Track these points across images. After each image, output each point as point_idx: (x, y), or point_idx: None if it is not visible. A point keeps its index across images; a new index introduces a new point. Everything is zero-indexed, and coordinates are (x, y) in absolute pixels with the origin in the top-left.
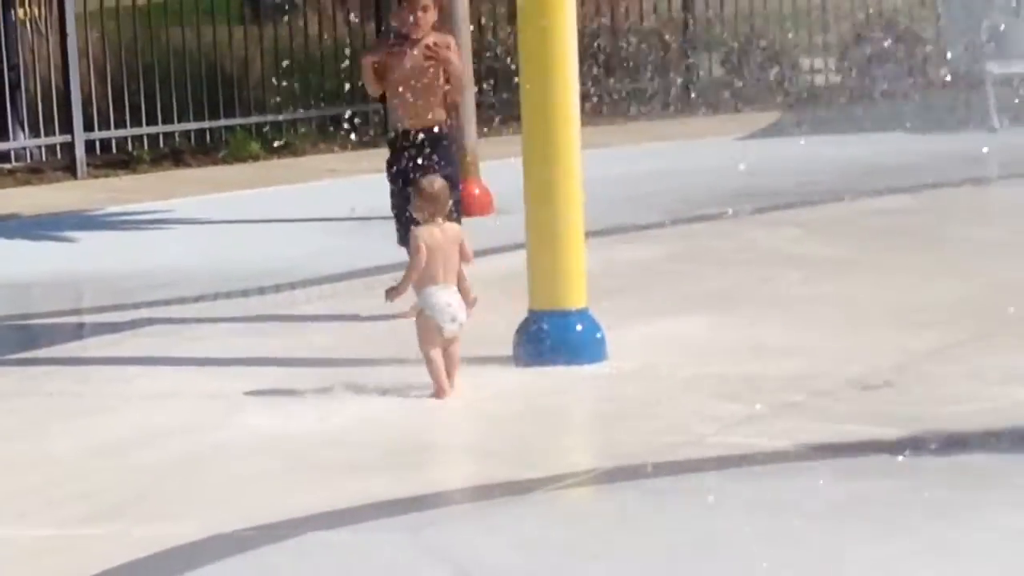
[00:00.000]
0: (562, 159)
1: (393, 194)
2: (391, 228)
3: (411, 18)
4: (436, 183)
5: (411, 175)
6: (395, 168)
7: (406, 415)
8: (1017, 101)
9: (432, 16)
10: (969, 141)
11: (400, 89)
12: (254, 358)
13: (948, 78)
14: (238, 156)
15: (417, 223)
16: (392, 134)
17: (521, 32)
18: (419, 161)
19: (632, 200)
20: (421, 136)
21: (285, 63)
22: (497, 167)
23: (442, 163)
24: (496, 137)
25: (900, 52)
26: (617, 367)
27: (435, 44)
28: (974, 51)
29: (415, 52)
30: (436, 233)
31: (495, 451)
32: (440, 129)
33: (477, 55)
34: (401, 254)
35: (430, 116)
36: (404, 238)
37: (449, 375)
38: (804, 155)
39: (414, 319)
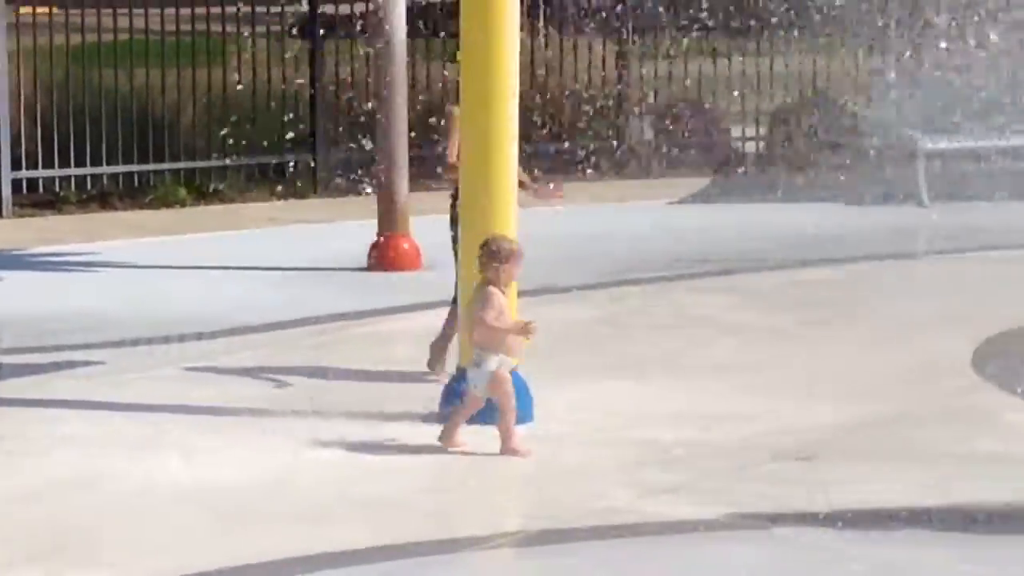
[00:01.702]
0: (498, 218)
1: None
2: (317, 280)
3: None
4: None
5: None
6: None
7: (329, 469)
8: (948, 177)
9: None
10: (899, 215)
11: None
12: (176, 405)
13: (879, 152)
14: (165, 201)
15: None
16: None
17: (463, 89)
18: None
19: (564, 261)
20: None
21: (216, 110)
22: (425, 222)
23: None
24: (424, 192)
25: (831, 123)
26: (544, 429)
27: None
28: (906, 126)
29: None
30: None
31: (419, 509)
32: None
33: (411, 109)
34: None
35: None
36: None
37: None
38: (735, 222)
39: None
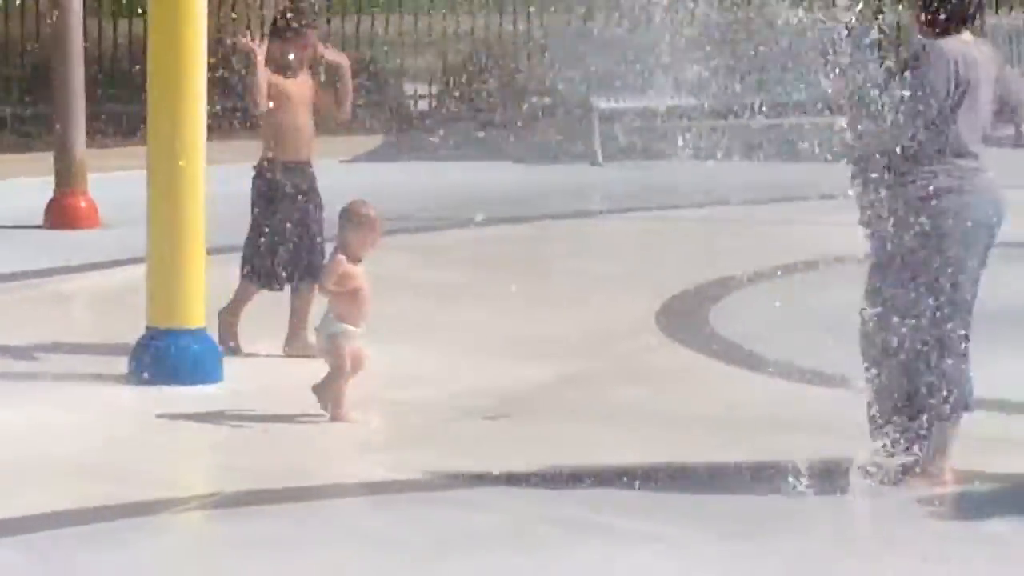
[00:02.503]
0: (187, 177)
1: (271, 229)
2: None
3: (298, 53)
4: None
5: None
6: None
7: (13, 434)
8: (622, 136)
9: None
10: (574, 174)
11: (289, 119)
12: None
13: (553, 111)
14: None
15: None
16: (271, 165)
17: (151, 49)
18: (301, 195)
19: (240, 219)
20: (301, 168)
21: None
22: (103, 179)
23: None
24: (101, 149)
25: (506, 82)
26: (234, 388)
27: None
28: (580, 85)
29: (300, 85)
30: None
31: (110, 472)
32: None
33: (88, 63)
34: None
35: (309, 149)
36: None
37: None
38: (410, 180)
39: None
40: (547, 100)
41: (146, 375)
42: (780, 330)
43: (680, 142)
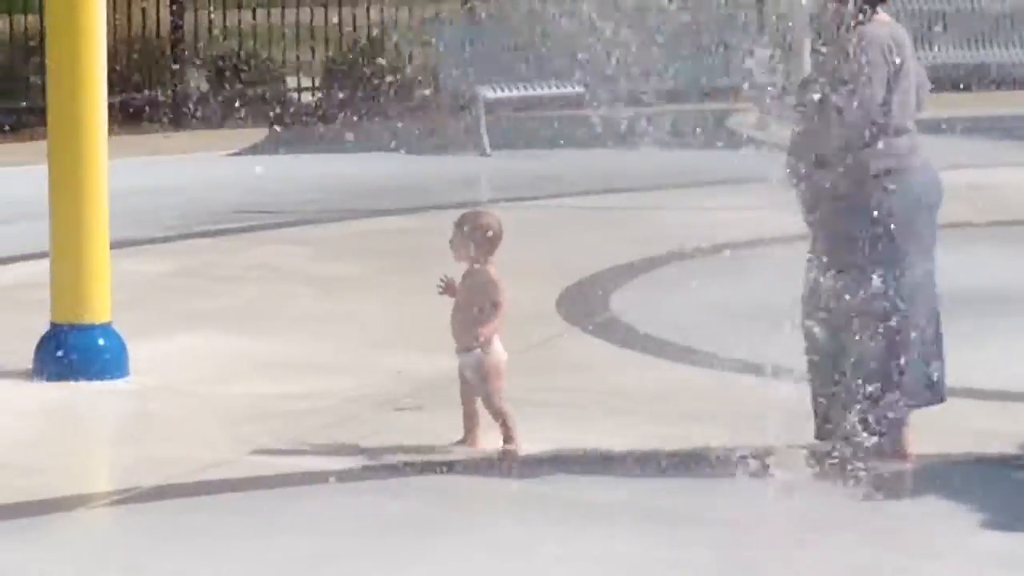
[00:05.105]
0: (90, 172)
1: None
2: None
3: None
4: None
5: None
6: None
7: None
8: (508, 125)
9: None
10: (461, 164)
11: None
12: None
13: (438, 101)
14: None
15: None
16: None
17: (50, 43)
18: None
19: (132, 214)
20: None
21: None
22: None
23: None
24: None
25: (391, 72)
26: (140, 383)
27: None
28: (465, 75)
29: None
30: None
31: (21, 468)
32: None
33: None
34: None
35: None
36: None
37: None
38: (297, 173)
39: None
40: (433, 90)
41: (52, 371)
42: (683, 316)
43: (568, 130)
